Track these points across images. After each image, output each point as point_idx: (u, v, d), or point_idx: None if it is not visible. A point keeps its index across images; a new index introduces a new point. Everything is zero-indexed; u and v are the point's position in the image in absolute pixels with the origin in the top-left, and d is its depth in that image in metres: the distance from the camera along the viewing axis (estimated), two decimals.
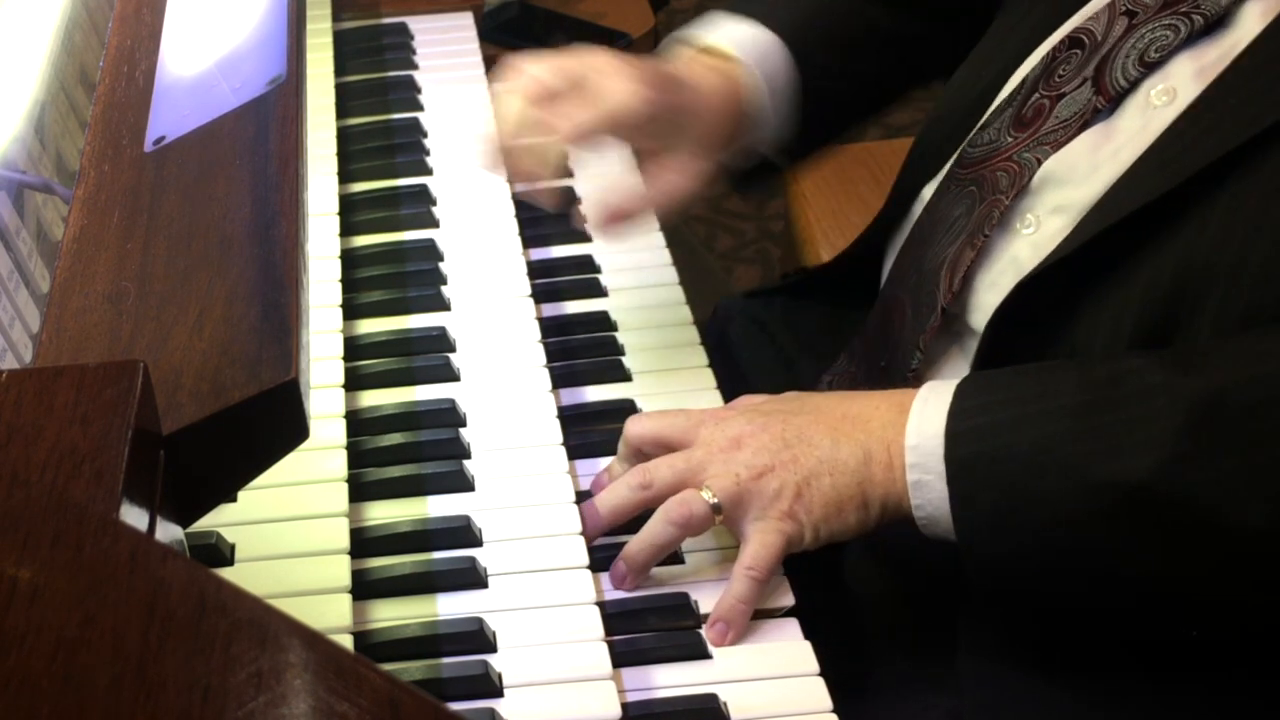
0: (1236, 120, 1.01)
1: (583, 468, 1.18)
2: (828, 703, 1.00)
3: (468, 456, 1.16)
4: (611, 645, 1.02)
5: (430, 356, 1.25)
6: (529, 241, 1.40)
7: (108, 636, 0.61)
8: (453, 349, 1.26)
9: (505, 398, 1.21)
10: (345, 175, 1.44)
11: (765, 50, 1.29)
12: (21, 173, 0.93)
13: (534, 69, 1.18)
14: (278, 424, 0.83)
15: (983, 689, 1.10)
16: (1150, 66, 1.07)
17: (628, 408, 1.23)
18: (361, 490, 1.11)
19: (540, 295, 1.34)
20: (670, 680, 1.02)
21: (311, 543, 1.03)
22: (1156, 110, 1.07)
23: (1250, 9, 1.05)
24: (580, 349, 1.29)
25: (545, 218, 1.42)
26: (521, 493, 1.13)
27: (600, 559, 1.09)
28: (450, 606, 1.04)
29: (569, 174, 1.48)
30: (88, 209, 0.98)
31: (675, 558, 1.10)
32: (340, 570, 1.01)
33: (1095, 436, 0.99)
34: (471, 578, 1.06)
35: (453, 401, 1.20)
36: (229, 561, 1.02)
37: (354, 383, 1.21)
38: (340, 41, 1.65)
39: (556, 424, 1.19)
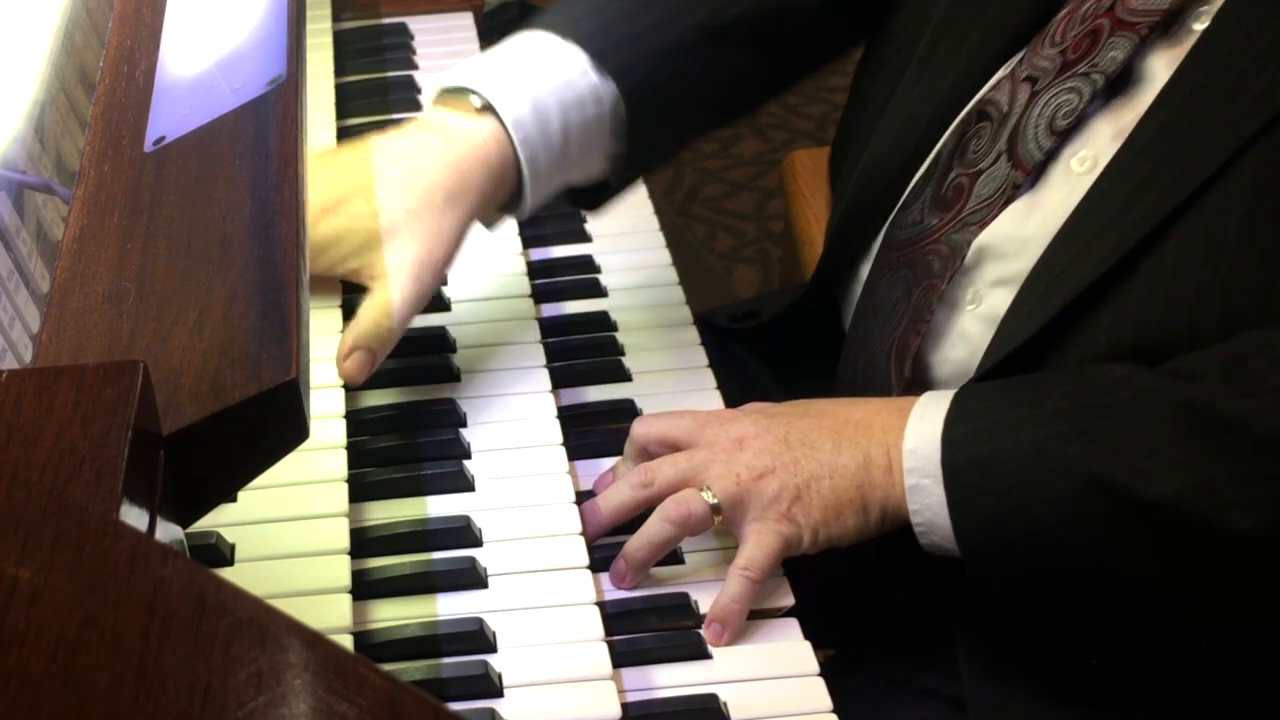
0: (1161, 184, 0.99)
1: (583, 468, 1.18)
2: (828, 703, 1.00)
3: (468, 456, 1.16)
4: (611, 645, 1.02)
5: (430, 356, 1.25)
6: (529, 241, 1.40)
7: (108, 636, 0.61)
8: (453, 349, 1.26)
9: (505, 398, 1.21)
10: None
11: (552, 84, 1.18)
12: (21, 173, 0.93)
13: None
14: (278, 424, 0.83)
15: (982, 692, 1.09)
16: (1064, 134, 1.06)
17: (628, 408, 1.23)
18: (361, 490, 1.11)
19: (540, 295, 1.34)
20: (670, 680, 1.02)
21: (311, 543, 1.03)
22: (1079, 177, 1.05)
23: (1156, 63, 1.03)
24: (580, 349, 1.29)
25: (545, 218, 1.42)
26: (521, 493, 1.13)
27: (600, 559, 1.09)
28: (450, 606, 1.04)
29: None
30: (88, 209, 0.98)
31: (675, 558, 1.10)
32: (340, 570, 1.01)
33: (1091, 438, 0.98)
34: (471, 578, 1.06)
35: (453, 401, 1.20)
36: (229, 561, 1.02)
37: None
38: (340, 41, 1.65)
39: (556, 424, 1.19)
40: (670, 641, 1.04)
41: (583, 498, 1.14)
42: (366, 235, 1.12)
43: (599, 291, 1.36)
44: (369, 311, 1.10)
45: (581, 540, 1.09)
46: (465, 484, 1.13)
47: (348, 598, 1.00)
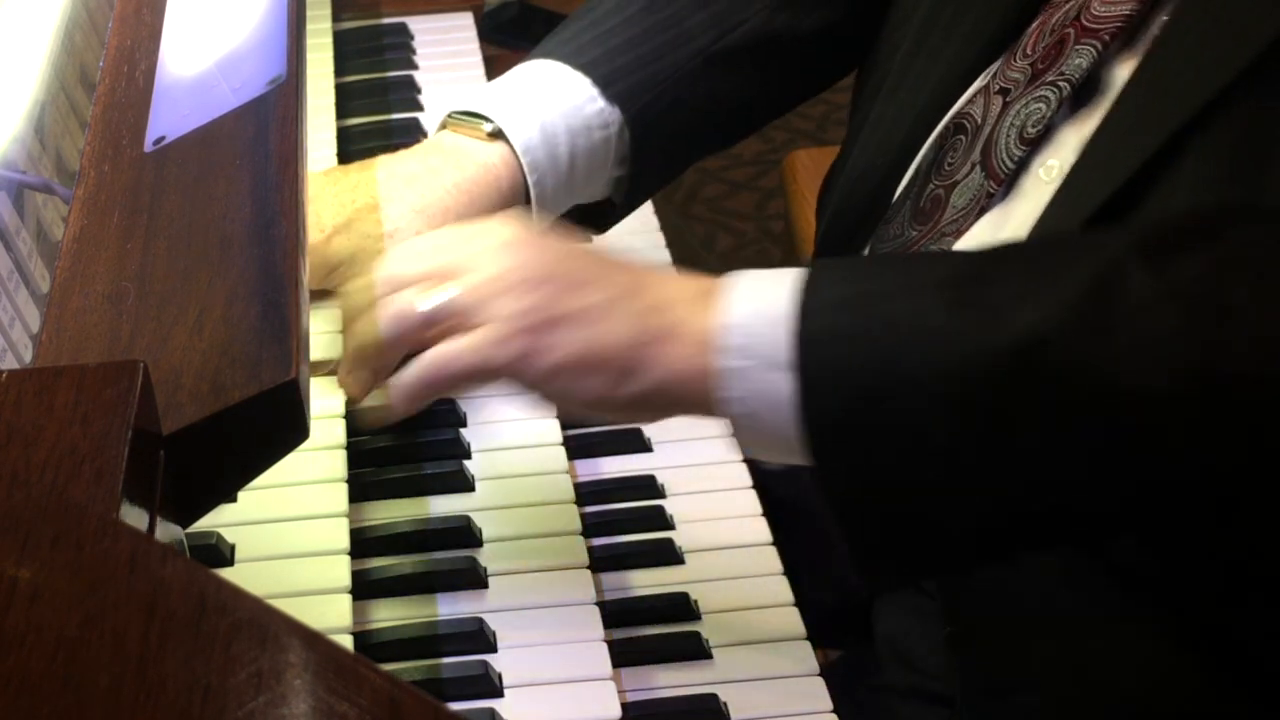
0: (1111, 186, 0.98)
1: (583, 468, 1.18)
2: (828, 703, 1.00)
3: (468, 456, 1.16)
4: (611, 645, 1.02)
5: None
6: None
7: (108, 637, 0.61)
8: None
9: (505, 398, 1.21)
10: None
11: (560, 109, 1.19)
12: (21, 173, 0.93)
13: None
14: (278, 424, 0.83)
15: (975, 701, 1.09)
16: (1033, 143, 1.05)
17: None
18: (361, 490, 1.11)
19: None
20: (670, 680, 1.02)
21: (311, 543, 1.03)
22: (1046, 186, 1.04)
23: (1119, 70, 1.03)
24: None
25: None
26: (521, 493, 1.13)
27: (600, 559, 1.09)
28: (450, 606, 1.04)
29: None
30: (88, 209, 0.98)
31: (675, 558, 1.10)
32: (340, 570, 1.01)
33: (979, 308, 0.88)
34: (471, 578, 1.06)
35: (452, 402, 1.20)
36: (229, 561, 1.02)
37: None
38: (340, 41, 1.65)
39: (556, 424, 1.19)
40: (670, 641, 1.04)
41: (583, 498, 1.14)
42: (379, 255, 1.11)
43: None
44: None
45: (581, 540, 1.09)
46: (465, 484, 1.13)
47: (348, 598, 1.00)
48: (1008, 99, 1.08)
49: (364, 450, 1.14)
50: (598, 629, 1.03)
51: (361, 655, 0.64)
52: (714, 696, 1.00)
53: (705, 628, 1.06)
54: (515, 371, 0.94)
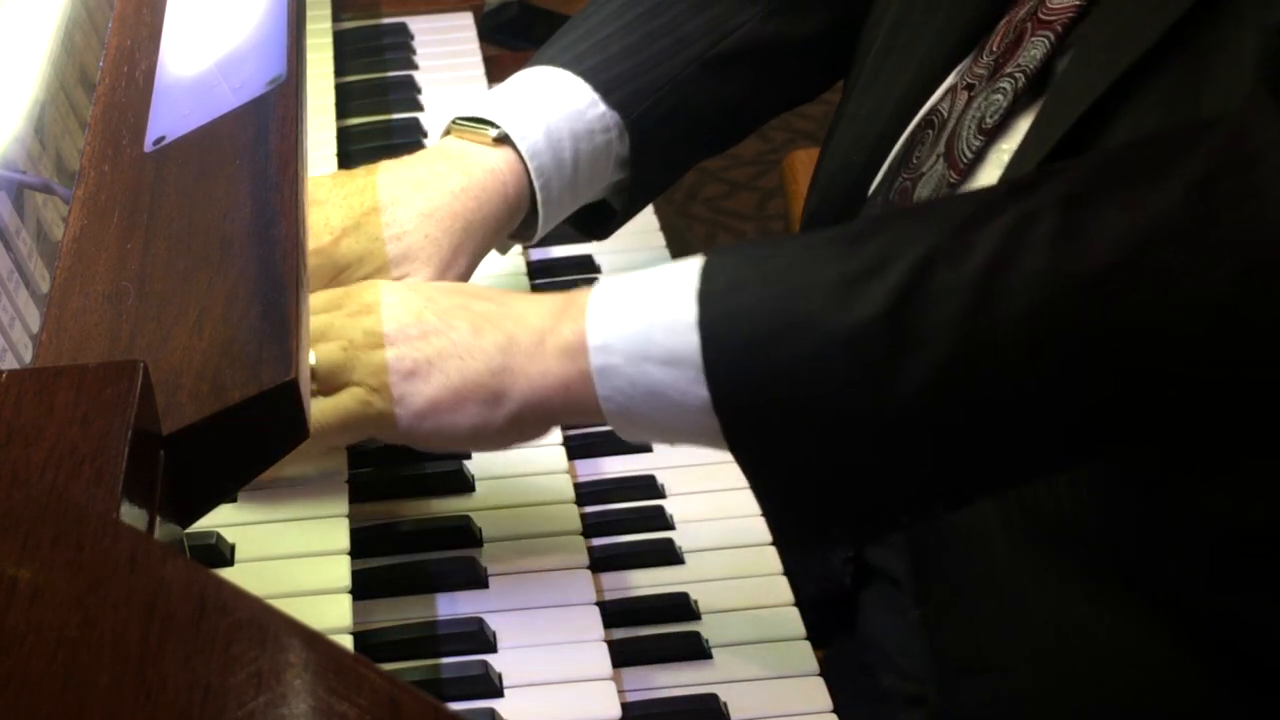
0: (1035, 158, 1.00)
1: (583, 468, 1.18)
2: (828, 703, 1.00)
3: (468, 456, 1.16)
4: (611, 645, 1.02)
5: None
6: None
7: (108, 637, 0.61)
8: None
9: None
10: None
11: (564, 113, 1.21)
12: (21, 173, 0.93)
13: None
14: (278, 424, 0.83)
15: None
16: (991, 133, 1.07)
17: None
18: (361, 490, 1.11)
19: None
20: (670, 680, 1.02)
21: (311, 543, 1.03)
22: (998, 171, 1.06)
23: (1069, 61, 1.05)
24: None
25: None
26: (521, 493, 1.13)
27: (600, 559, 1.09)
28: (450, 606, 1.04)
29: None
30: (88, 209, 0.98)
31: (675, 558, 1.10)
32: (340, 570, 1.01)
33: (868, 250, 0.92)
34: (471, 578, 1.06)
35: None
36: (229, 561, 1.02)
37: None
38: (340, 41, 1.65)
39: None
40: (670, 641, 1.04)
41: (583, 498, 1.14)
42: (386, 257, 1.14)
43: None
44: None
45: (581, 540, 1.09)
46: (465, 484, 1.13)
47: (348, 598, 1.00)
48: (972, 93, 1.10)
49: (364, 450, 1.14)
50: (598, 629, 1.03)
51: (361, 655, 0.64)
52: (714, 696, 1.00)
53: (705, 628, 1.06)
54: (387, 421, 1.00)
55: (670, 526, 1.13)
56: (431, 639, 1.02)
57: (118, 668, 0.59)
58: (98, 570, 0.64)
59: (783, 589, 1.08)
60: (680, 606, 1.06)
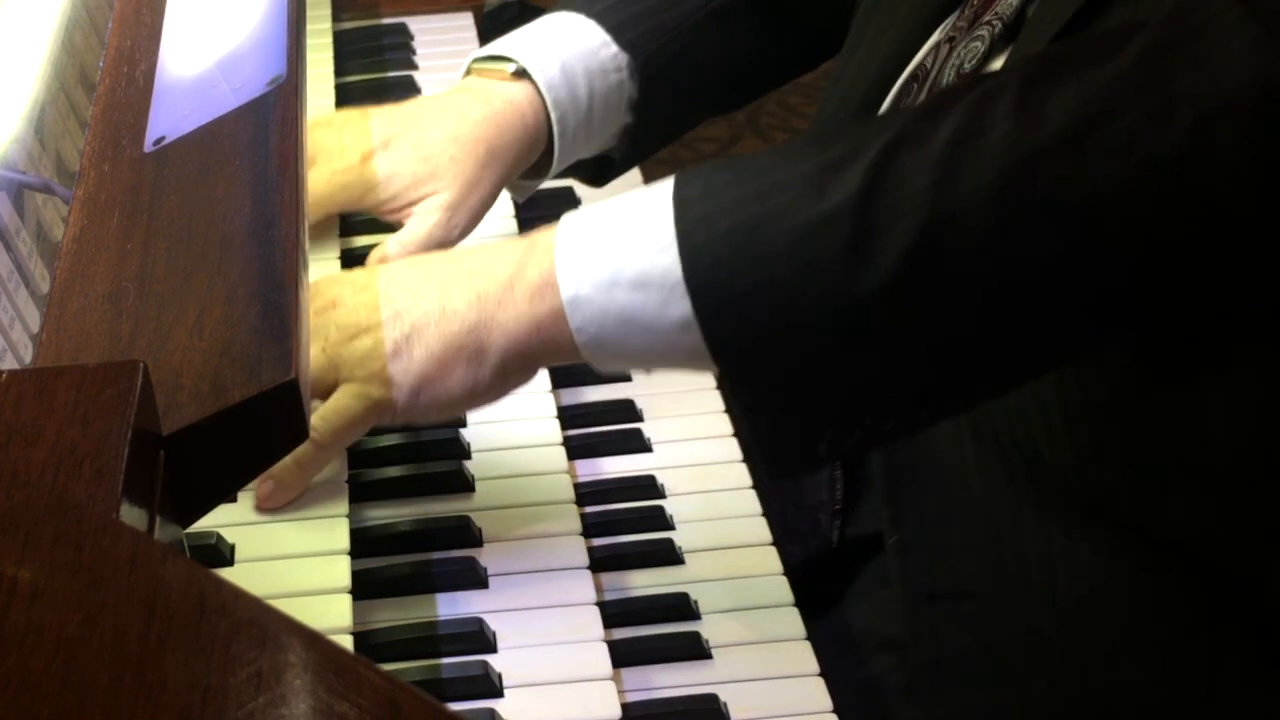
0: None
1: (583, 468, 1.18)
2: (828, 703, 1.00)
3: (468, 456, 1.16)
4: (611, 645, 1.02)
5: None
6: None
7: (108, 636, 0.61)
8: None
9: (505, 397, 1.21)
10: None
11: (577, 51, 1.26)
12: (21, 173, 0.93)
13: None
14: (278, 424, 0.83)
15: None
16: (969, 78, 1.07)
17: (628, 407, 1.23)
18: (361, 490, 1.11)
19: None
20: (670, 680, 1.02)
21: (311, 543, 1.03)
22: None
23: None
24: None
25: (545, 216, 1.42)
26: (521, 493, 1.13)
27: (600, 559, 1.09)
28: (450, 606, 1.04)
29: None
30: (88, 209, 0.98)
31: (675, 558, 1.10)
32: (340, 570, 1.01)
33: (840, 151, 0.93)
34: (471, 578, 1.06)
35: None
36: (229, 561, 1.02)
37: None
38: (340, 42, 1.65)
39: (556, 424, 1.19)
40: (670, 641, 1.04)
41: (583, 498, 1.14)
42: (414, 175, 1.21)
43: None
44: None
45: (581, 540, 1.09)
46: (465, 484, 1.13)
47: (348, 598, 1.00)
48: (953, 45, 1.12)
49: (364, 450, 1.14)
50: (598, 629, 1.03)
51: (361, 655, 0.64)
52: (714, 696, 1.00)
53: (705, 628, 1.06)
54: (387, 406, 1.00)
55: (670, 526, 1.13)
56: (431, 639, 1.02)
57: (118, 668, 0.59)
58: (98, 570, 0.64)
59: (783, 589, 1.08)
60: (680, 606, 1.06)
